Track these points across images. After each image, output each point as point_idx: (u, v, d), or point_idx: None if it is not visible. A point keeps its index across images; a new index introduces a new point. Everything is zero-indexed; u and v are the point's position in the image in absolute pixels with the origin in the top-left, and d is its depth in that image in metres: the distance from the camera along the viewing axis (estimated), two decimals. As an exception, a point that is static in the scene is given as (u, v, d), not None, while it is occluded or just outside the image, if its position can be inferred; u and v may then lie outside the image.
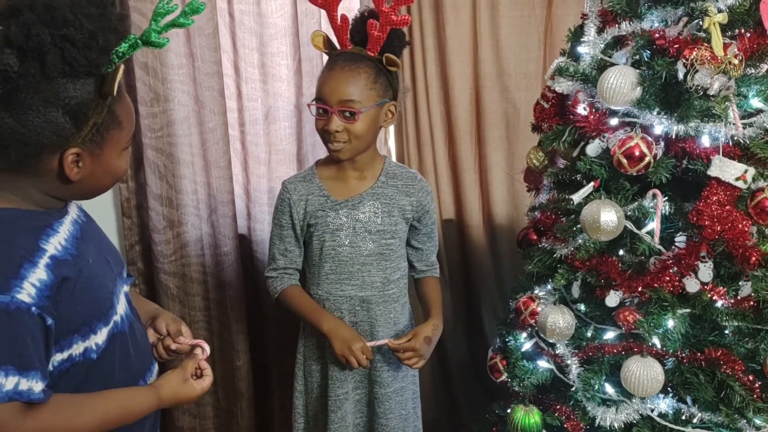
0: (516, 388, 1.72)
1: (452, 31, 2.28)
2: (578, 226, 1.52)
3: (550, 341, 1.63)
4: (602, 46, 1.56)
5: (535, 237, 1.77)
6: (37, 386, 0.98)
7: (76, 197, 1.16)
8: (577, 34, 1.66)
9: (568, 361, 1.61)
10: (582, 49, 1.60)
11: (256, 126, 2.22)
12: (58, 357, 1.06)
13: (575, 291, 1.61)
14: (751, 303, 1.46)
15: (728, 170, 1.38)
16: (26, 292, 0.97)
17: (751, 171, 1.39)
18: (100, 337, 1.10)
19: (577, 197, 1.54)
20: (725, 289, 1.44)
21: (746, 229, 1.39)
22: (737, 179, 1.38)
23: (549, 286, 1.68)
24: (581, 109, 1.56)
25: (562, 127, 1.62)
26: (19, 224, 1.04)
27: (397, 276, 1.74)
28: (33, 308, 0.97)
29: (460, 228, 2.45)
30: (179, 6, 1.12)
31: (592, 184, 1.54)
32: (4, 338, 0.96)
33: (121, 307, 1.18)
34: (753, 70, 1.43)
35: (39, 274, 0.99)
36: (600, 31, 1.58)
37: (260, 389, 2.45)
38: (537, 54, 2.35)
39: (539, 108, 1.75)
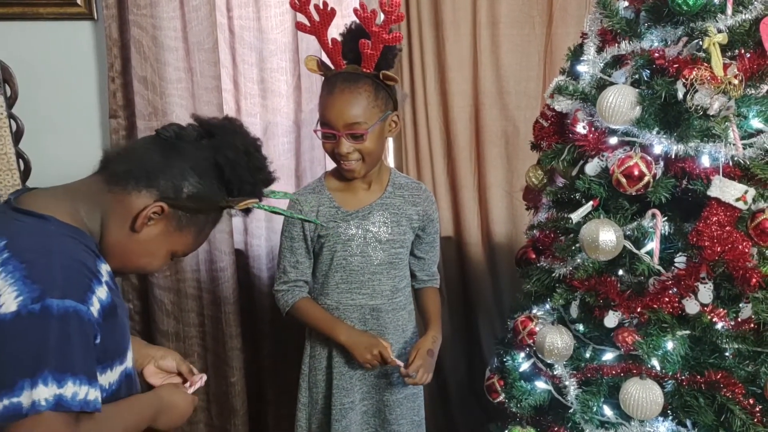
0: (513, 409, 1.70)
1: (452, 48, 2.28)
2: (577, 245, 1.50)
3: (548, 362, 1.61)
4: (602, 65, 1.56)
5: (533, 256, 1.75)
6: (99, 397, 0.98)
7: (111, 253, 1.12)
8: (576, 53, 1.66)
9: (566, 382, 1.59)
10: (581, 68, 1.60)
11: (255, 141, 2.22)
12: None
13: (574, 311, 1.59)
14: (752, 325, 1.45)
15: (728, 191, 1.37)
16: (95, 307, 0.99)
17: (752, 192, 1.37)
18: (114, 374, 1.09)
19: (575, 216, 1.53)
20: (725, 310, 1.42)
21: (746, 250, 1.37)
22: (737, 200, 1.37)
23: (547, 306, 1.67)
24: (580, 128, 1.55)
25: (561, 146, 1.61)
26: (81, 242, 1.05)
27: (404, 284, 1.78)
28: (96, 325, 0.99)
29: (459, 246, 2.44)
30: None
31: (591, 203, 1.53)
32: (80, 349, 0.96)
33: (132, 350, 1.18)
34: (753, 91, 1.42)
35: (101, 293, 1.02)
36: (599, 50, 1.58)
37: (255, 406, 2.42)
38: (537, 72, 2.35)
39: (538, 126, 1.75)
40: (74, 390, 0.93)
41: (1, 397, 0.91)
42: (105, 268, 1.08)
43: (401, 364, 1.63)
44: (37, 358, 0.92)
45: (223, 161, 1.12)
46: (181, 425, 1.25)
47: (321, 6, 1.57)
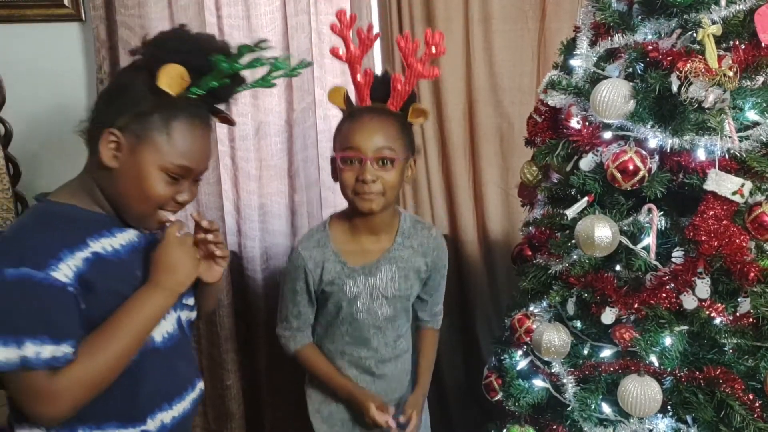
0: (512, 408, 1.69)
1: (444, 45, 2.26)
2: (573, 241, 1.49)
3: (546, 360, 1.60)
4: (595, 59, 1.54)
5: (529, 253, 1.74)
6: (69, 350, 1.07)
7: (117, 204, 1.19)
8: (569, 47, 1.65)
9: (564, 380, 1.58)
10: (575, 63, 1.58)
11: (247, 141, 2.20)
12: None
13: (570, 308, 1.58)
14: (751, 320, 1.44)
15: (725, 184, 1.36)
16: (62, 272, 1.07)
17: (748, 185, 1.36)
18: None
19: (570, 212, 1.51)
20: (723, 305, 1.41)
21: (744, 244, 1.36)
22: (734, 193, 1.36)
23: (544, 303, 1.65)
24: (574, 123, 1.54)
25: (556, 142, 1.60)
26: (69, 218, 1.15)
27: (405, 328, 1.76)
28: (69, 287, 1.07)
29: (455, 244, 2.42)
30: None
31: (586, 198, 1.51)
32: (35, 311, 1.05)
33: (166, 327, 1.24)
34: (749, 82, 1.41)
35: (75, 261, 1.09)
36: (593, 44, 1.57)
37: (251, 409, 2.40)
38: (531, 68, 2.33)
39: (532, 122, 1.73)
40: (36, 350, 1.04)
41: None
42: (108, 242, 1.16)
43: (393, 425, 1.63)
44: None
45: (143, 59, 1.17)
46: (194, 267, 1.23)
47: (365, 31, 1.52)
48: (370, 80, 1.54)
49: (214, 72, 1.15)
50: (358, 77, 1.54)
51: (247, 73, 1.23)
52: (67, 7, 2.19)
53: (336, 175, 1.60)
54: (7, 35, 2.20)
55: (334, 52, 1.54)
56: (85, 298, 1.10)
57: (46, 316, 1.06)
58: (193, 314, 1.38)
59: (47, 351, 1.05)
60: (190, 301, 1.36)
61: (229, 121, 1.31)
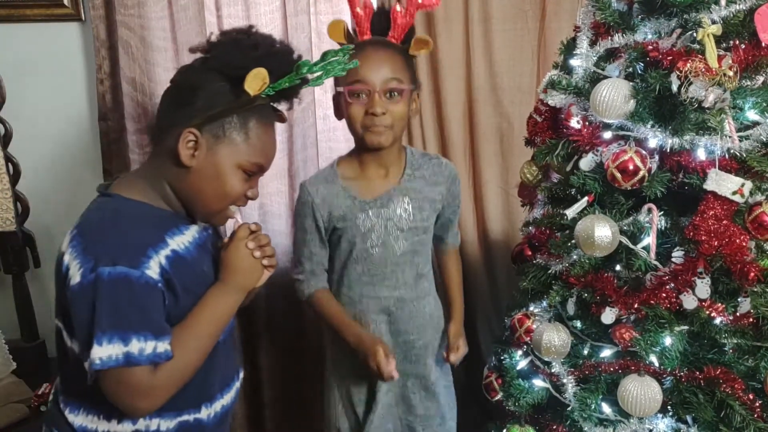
0: (512, 408, 1.68)
1: (444, 44, 2.26)
2: (572, 241, 1.49)
3: (546, 359, 1.60)
4: (595, 58, 1.54)
5: (529, 253, 1.74)
6: (168, 347, 1.11)
7: (191, 201, 1.22)
8: (569, 47, 1.64)
9: (564, 380, 1.58)
10: (574, 62, 1.58)
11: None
12: None
13: (570, 308, 1.58)
14: (751, 320, 1.44)
15: (725, 184, 1.36)
16: (153, 270, 1.10)
17: (749, 185, 1.36)
18: None
19: (570, 212, 1.51)
20: (723, 305, 1.41)
21: (744, 244, 1.36)
22: (734, 193, 1.35)
23: (544, 303, 1.65)
24: (574, 123, 1.54)
25: (555, 141, 1.59)
26: (146, 217, 1.18)
27: (427, 268, 1.71)
28: (159, 284, 1.11)
29: (455, 243, 2.42)
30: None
31: (585, 198, 1.51)
32: (137, 309, 1.08)
33: None
34: (749, 82, 1.41)
35: (160, 259, 1.12)
36: (593, 43, 1.57)
37: (253, 408, 2.41)
38: (530, 68, 2.33)
39: (532, 122, 1.73)
40: (140, 346, 1.07)
41: (84, 357, 1.07)
42: (180, 240, 1.18)
43: (396, 376, 1.55)
44: (99, 321, 1.05)
45: (211, 59, 1.18)
46: (260, 271, 1.27)
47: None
48: (370, 13, 1.53)
49: (292, 74, 1.17)
50: (358, 9, 1.53)
51: None
52: (66, 7, 2.19)
53: (340, 112, 1.59)
54: (7, 35, 2.20)
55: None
56: (167, 294, 1.13)
57: (146, 314, 1.09)
58: None
59: (150, 347, 1.08)
60: None
61: (282, 119, 1.33)
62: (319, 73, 1.22)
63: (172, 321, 1.15)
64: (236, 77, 1.14)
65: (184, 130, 1.14)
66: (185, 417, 1.22)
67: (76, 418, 1.19)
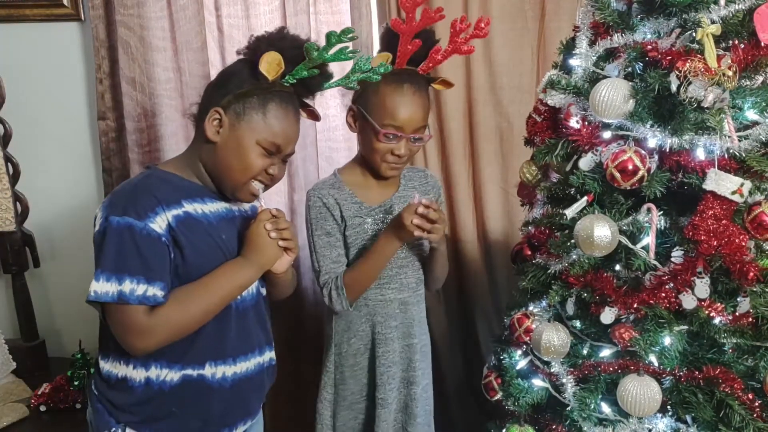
0: (511, 408, 1.68)
1: (443, 44, 2.25)
2: (572, 241, 1.49)
3: (545, 359, 1.60)
4: (594, 58, 1.54)
5: (529, 252, 1.74)
6: (160, 293, 1.25)
7: (219, 174, 1.37)
8: (569, 47, 1.64)
9: (564, 380, 1.58)
10: (574, 62, 1.58)
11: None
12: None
13: (570, 307, 1.58)
14: (750, 319, 1.43)
15: (724, 184, 1.35)
16: (157, 224, 1.25)
17: (748, 184, 1.36)
18: None
19: (570, 212, 1.51)
20: (723, 305, 1.41)
21: (743, 243, 1.36)
22: (733, 193, 1.35)
23: (544, 303, 1.65)
24: (574, 123, 1.54)
25: (555, 141, 1.59)
26: (170, 183, 1.33)
27: (422, 273, 1.78)
28: (163, 238, 1.26)
29: (455, 243, 2.42)
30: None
31: (585, 198, 1.51)
32: (135, 254, 1.23)
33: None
34: (748, 82, 1.41)
35: (168, 217, 1.27)
36: (592, 43, 1.56)
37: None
38: (530, 67, 2.33)
39: (532, 121, 1.73)
40: (131, 287, 1.22)
41: (90, 289, 1.23)
42: (199, 207, 1.34)
43: (418, 199, 1.57)
44: (102, 260, 1.23)
45: (246, 52, 1.35)
46: (277, 252, 1.39)
47: (432, 11, 1.54)
48: (414, 49, 1.59)
49: (305, 61, 1.30)
50: (409, 45, 1.58)
51: (336, 71, 1.40)
52: (66, 7, 2.19)
53: (354, 127, 1.68)
54: (7, 35, 2.20)
55: (394, 23, 1.56)
56: (173, 248, 1.27)
57: (143, 260, 1.23)
58: (263, 289, 1.52)
59: (140, 289, 1.22)
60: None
61: (315, 116, 1.49)
62: (345, 74, 1.38)
63: (181, 276, 1.30)
64: (256, 63, 1.30)
65: (211, 109, 1.31)
66: (188, 371, 1.34)
67: (105, 365, 1.36)
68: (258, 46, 1.33)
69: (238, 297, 1.39)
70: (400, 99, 1.58)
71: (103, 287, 1.22)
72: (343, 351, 1.76)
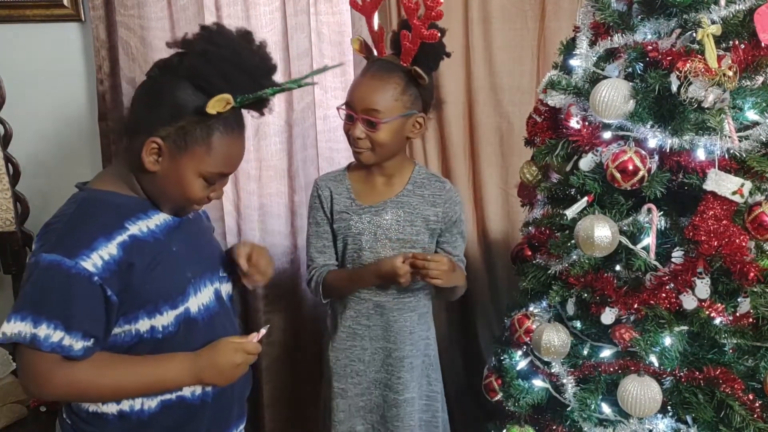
0: (511, 408, 1.68)
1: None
2: (572, 241, 1.49)
3: (546, 360, 1.60)
4: (594, 58, 1.54)
5: (529, 253, 1.74)
6: (78, 344, 1.14)
7: (156, 199, 1.27)
8: (569, 47, 1.64)
9: (564, 380, 1.58)
10: (574, 62, 1.58)
11: (246, 141, 2.19)
12: (125, 328, 1.21)
13: (570, 308, 1.58)
14: (750, 320, 1.43)
15: (724, 184, 1.36)
16: (92, 262, 1.13)
17: (748, 185, 1.36)
18: (167, 318, 1.23)
19: (570, 212, 1.51)
20: (723, 305, 1.41)
21: (744, 244, 1.36)
22: (734, 193, 1.35)
23: (544, 303, 1.65)
24: (574, 123, 1.54)
25: (555, 141, 1.59)
26: (110, 204, 1.22)
27: (418, 286, 1.72)
28: (95, 278, 1.13)
29: (454, 244, 2.41)
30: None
31: (585, 198, 1.51)
32: (58, 297, 1.12)
33: (202, 299, 1.30)
34: (748, 82, 1.41)
35: (110, 249, 1.16)
36: (592, 43, 1.56)
37: (251, 410, 2.40)
38: (530, 67, 2.33)
39: (532, 122, 1.73)
40: (47, 332, 1.11)
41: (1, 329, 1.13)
42: (144, 224, 1.23)
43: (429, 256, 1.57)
44: (22, 298, 1.14)
45: (186, 68, 1.18)
46: (231, 380, 1.29)
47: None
48: (382, 35, 1.61)
49: (259, 94, 1.21)
50: (374, 29, 1.61)
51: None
52: (66, 8, 2.19)
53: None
54: (7, 35, 2.20)
55: (352, 3, 1.62)
56: (123, 278, 1.16)
57: (65, 304, 1.13)
58: (230, 286, 1.44)
59: (56, 336, 1.12)
60: (222, 272, 1.41)
61: (261, 112, 1.34)
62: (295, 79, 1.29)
63: (145, 299, 1.20)
64: (201, 89, 1.17)
65: (148, 139, 1.18)
66: (166, 395, 1.26)
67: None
68: (201, 68, 1.17)
69: (201, 306, 1.30)
70: (358, 80, 1.64)
71: (16, 327, 1.12)
72: (336, 345, 1.77)
